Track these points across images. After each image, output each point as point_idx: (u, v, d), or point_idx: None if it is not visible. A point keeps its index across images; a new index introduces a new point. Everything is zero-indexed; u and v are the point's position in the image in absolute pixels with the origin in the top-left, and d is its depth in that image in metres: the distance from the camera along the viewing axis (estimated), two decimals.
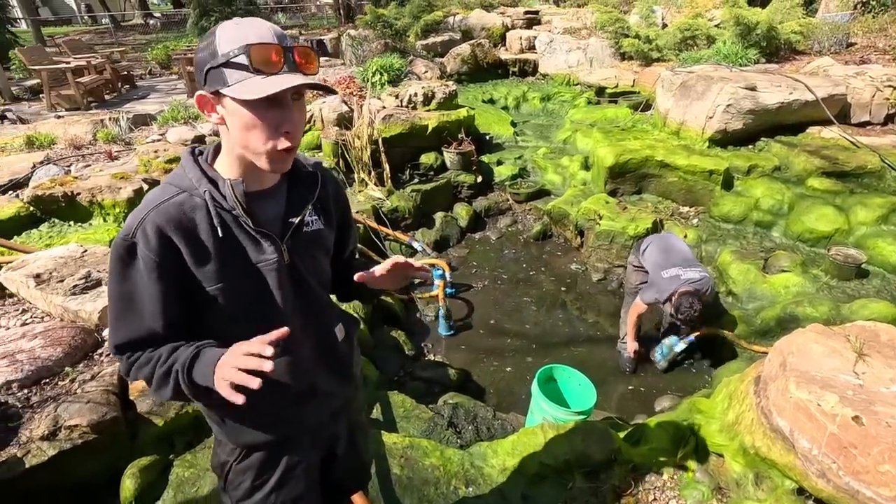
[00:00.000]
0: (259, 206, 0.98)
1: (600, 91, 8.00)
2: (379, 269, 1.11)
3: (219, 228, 0.92)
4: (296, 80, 0.83)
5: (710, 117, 5.25)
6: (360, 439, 1.46)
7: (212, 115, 0.90)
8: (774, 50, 6.88)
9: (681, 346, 3.51)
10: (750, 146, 5.33)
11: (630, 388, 3.60)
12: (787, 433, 1.64)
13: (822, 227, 4.17)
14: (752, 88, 5.10)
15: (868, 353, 1.78)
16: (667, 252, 3.51)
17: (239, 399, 0.79)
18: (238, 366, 0.80)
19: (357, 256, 1.37)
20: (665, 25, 8.73)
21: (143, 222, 0.89)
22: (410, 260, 1.11)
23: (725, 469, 1.97)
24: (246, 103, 0.84)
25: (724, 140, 5.28)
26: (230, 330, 0.99)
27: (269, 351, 0.80)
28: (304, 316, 1.08)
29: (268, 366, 0.79)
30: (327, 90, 0.94)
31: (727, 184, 4.82)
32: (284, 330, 0.86)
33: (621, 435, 2.37)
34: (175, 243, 0.90)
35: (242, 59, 0.82)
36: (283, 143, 0.88)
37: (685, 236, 4.47)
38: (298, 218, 1.02)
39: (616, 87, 7.93)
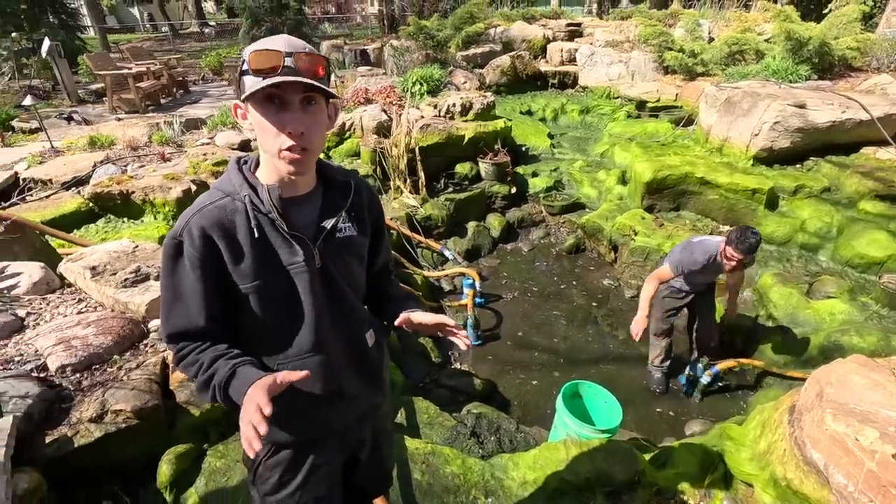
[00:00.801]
0: (294, 211, 1.05)
1: (641, 105, 7.88)
2: (423, 319, 1.17)
3: (255, 230, 1.00)
4: (285, 78, 0.90)
5: (756, 134, 5.09)
6: (385, 446, 1.49)
7: (244, 121, 1.01)
8: (828, 66, 6.61)
9: (706, 378, 3.42)
10: (798, 165, 5.13)
11: (658, 409, 3.51)
12: (822, 467, 1.57)
13: (873, 252, 3.97)
14: (802, 106, 4.92)
15: None
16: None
17: (252, 448, 0.85)
18: (250, 423, 0.86)
19: (393, 277, 1.40)
20: (712, 39, 8.53)
21: (189, 223, 0.98)
22: (455, 324, 1.16)
23: (754, 500, 1.90)
24: (255, 105, 0.94)
25: (770, 158, 5.11)
26: (261, 330, 1.08)
27: (268, 410, 0.86)
28: (334, 319, 1.12)
29: (263, 429, 0.85)
30: (326, 92, 0.97)
31: (771, 204, 4.65)
32: (305, 373, 0.96)
33: (647, 457, 2.32)
34: (216, 243, 0.98)
35: (246, 66, 0.92)
36: (286, 142, 0.94)
37: None
38: (331, 223, 1.08)
39: (657, 101, 7.80)
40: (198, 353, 1.02)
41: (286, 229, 1.02)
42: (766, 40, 7.64)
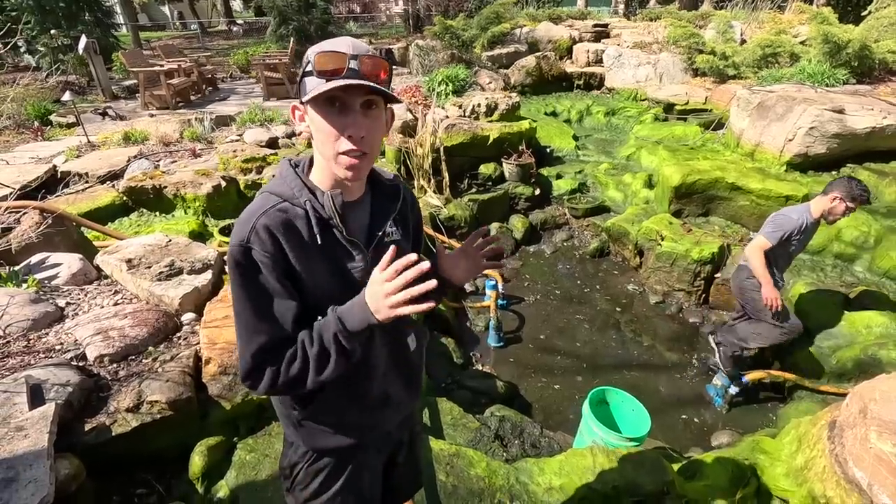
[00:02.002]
0: (349, 216, 1.04)
1: (669, 108, 7.75)
2: (460, 251, 1.12)
3: (318, 236, 0.98)
4: (350, 81, 0.88)
5: (790, 140, 4.96)
6: (418, 447, 1.51)
7: (300, 123, 1.00)
8: (867, 70, 6.40)
9: (734, 389, 3.35)
10: (833, 172, 4.98)
11: (684, 417, 3.44)
12: (865, 486, 1.52)
13: None
14: (840, 111, 4.77)
15: None
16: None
17: (429, 304, 0.85)
18: (398, 298, 0.86)
19: None
20: (744, 41, 8.33)
21: (256, 227, 0.95)
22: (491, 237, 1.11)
23: None
24: (315, 107, 0.92)
25: (805, 164, 4.97)
26: None
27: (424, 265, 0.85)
28: (381, 324, 1.12)
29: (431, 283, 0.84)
30: (389, 97, 0.95)
31: None
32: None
33: (675, 467, 2.28)
34: (283, 245, 0.96)
35: (311, 67, 0.91)
36: (345, 145, 0.93)
37: None
38: (382, 229, 1.08)
39: (686, 104, 7.66)
40: (287, 362, 0.96)
41: (345, 235, 1.01)
42: (802, 43, 7.44)
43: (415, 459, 1.47)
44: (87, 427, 1.94)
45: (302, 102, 0.96)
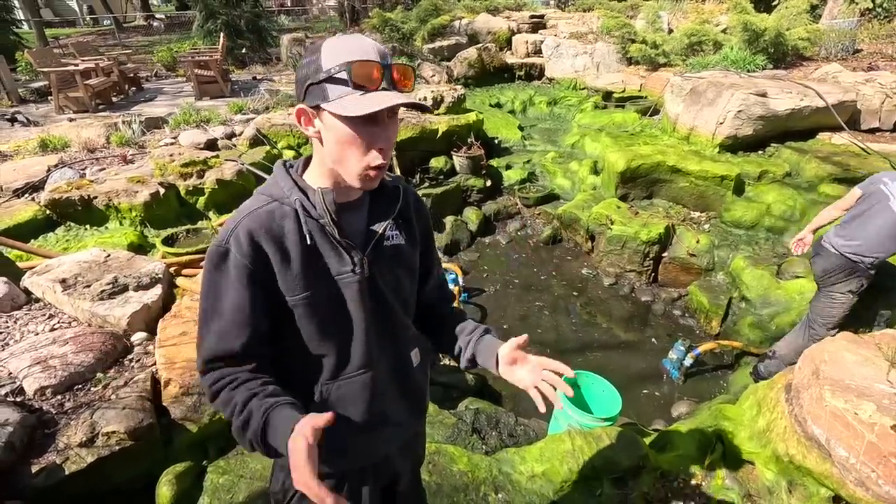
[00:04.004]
0: (344, 217, 0.98)
1: (607, 95, 8.05)
2: (536, 360, 1.02)
3: (307, 237, 0.93)
4: (394, 98, 0.84)
5: (721, 123, 5.28)
6: (421, 476, 1.42)
7: (308, 128, 0.92)
8: (782, 56, 6.93)
9: (689, 360, 3.55)
10: (760, 152, 5.37)
11: (645, 392, 3.62)
12: (824, 441, 1.66)
13: None
14: (763, 95, 5.13)
15: None
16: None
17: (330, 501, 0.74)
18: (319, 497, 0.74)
19: (454, 304, 1.29)
20: (671, 31, 8.78)
21: (237, 229, 0.91)
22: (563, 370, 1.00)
23: (756, 476, 1.98)
24: (345, 119, 0.85)
25: (735, 146, 5.32)
26: (307, 347, 0.99)
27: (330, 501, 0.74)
28: (380, 335, 1.05)
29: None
30: (423, 108, 0.93)
31: (738, 189, 4.85)
32: (330, 415, 0.81)
33: (647, 441, 2.38)
34: (265, 249, 0.91)
35: (343, 75, 0.83)
36: (377, 160, 0.89)
37: (697, 241, 4.50)
38: (380, 230, 1.02)
39: (623, 91, 7.98)
40: (231, 389, 0.91)
41: (337, 237, 0.95)
42: (724, 31, 7.93)
43: (418, 491, 1.39)
44: (35, 469, 1.75)
45: (317, 108, 0.88)
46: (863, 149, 4.88)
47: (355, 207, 1.02)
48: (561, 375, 1.00)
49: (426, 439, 1.48)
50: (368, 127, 0.86)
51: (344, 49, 0.85)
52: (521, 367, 1.04)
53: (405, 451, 1.25)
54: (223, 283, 0.92)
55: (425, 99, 6.56)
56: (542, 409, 0.96)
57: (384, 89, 0.85)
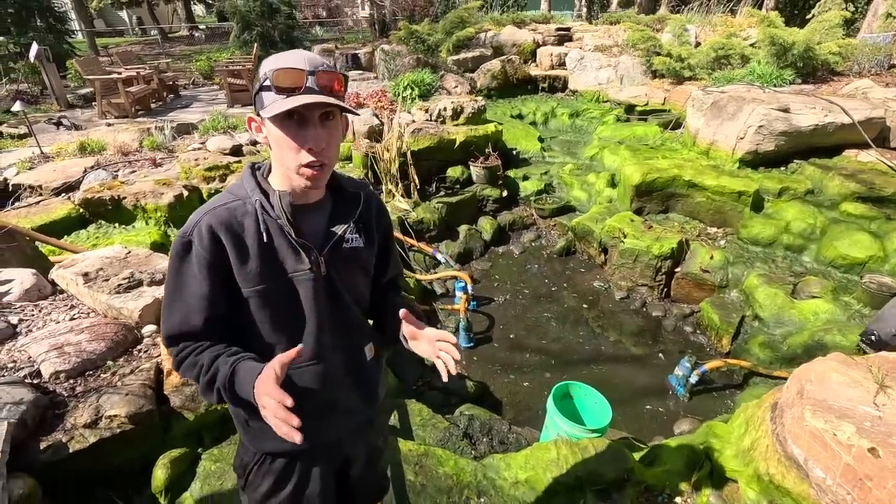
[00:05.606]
0: (303, 219, 1.06)
1: (630, 109, 7.99)
2: (430, 333, 1.07)
3: (263, 234, 1.01)
4: (310, 98, 0.91)
5: (742, 138, 5.19)
6: (378, 463, 1.48)
7: (258, 134, 1.03)
8: (811, 71, 6.75)
9: (694, 377, 3.49)
10: (782, 168, 5.23)
11: (648, 408, 3.56)
12: (802, 461, 1.63)
13: (855, 253, 4.06)
14: (786, 110, 5.02)
15: (890, 385, 1.76)
16: None
17: (297, 437, 0.83)
18: (283, 422, 0.84)
19: (402, 292, 1.36)
20: (698, 44, 8.67)
21: (199, 223, 1.00)
22: (454, 343, 1.04)
23: (739, 495, 1.95)
24: (274, 121, 0.95)
25: (755, 161, 5.21)
26: (261, 336, 1.08)
27: (289, 402, 0.84)
28: (335, 330, 1.13)
29: (295, 422, 0.83)
30: (346, 109, 0.99)
31: (757, 206, 4.74)
32: (299, 347, 0.94)
33: (636, 455, 2.37)
34: (224, 243, 1.00)
35: (268, 83, 0.94)
36: (307, 158, 0.96)
37: (711, 257, 4.42)
38: (339, 233, 1.09)
39: (646, 104, 7.91)
40: (196, 354, 1.02)
41: (294, 236, 1.03)
42: (752, 45, 7.78)
43: (373, 476, 1.45)
44: (43, 445, 1.89)
45: (258, 115, 0.99)
46: (890, 167, 4.71)
47: (315, 210, 1.10)
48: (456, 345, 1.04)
49: (387, 430, 1.54)
50: (300, 130, 0.95)
51: (275, 61, 0.95)
52: (420, 342, 1.09)
53: (357, 435, 1.31)
54: (186, 271, 1.02)
55: (445, 109, 6.68)
56: (445, 378, 1.00)
57: (308, 93, 0.92)
